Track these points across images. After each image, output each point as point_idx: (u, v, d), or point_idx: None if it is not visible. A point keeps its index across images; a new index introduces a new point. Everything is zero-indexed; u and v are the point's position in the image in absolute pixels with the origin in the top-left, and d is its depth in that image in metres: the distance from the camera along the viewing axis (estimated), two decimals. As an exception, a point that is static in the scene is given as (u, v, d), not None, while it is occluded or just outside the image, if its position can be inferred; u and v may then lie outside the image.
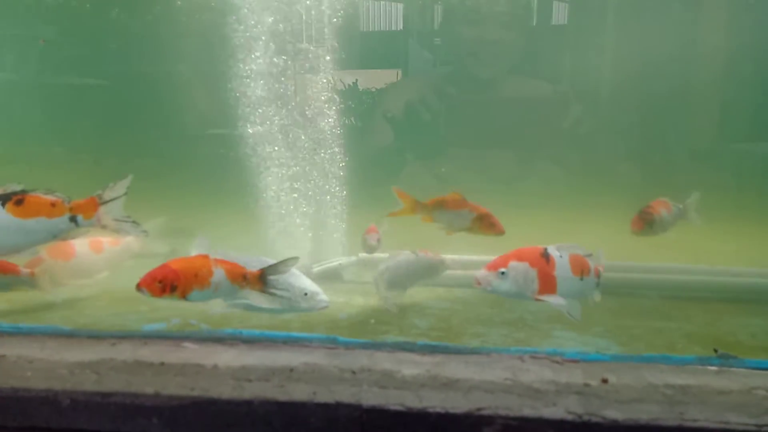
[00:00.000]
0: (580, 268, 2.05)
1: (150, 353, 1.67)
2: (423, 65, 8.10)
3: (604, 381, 1.48)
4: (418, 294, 3.06)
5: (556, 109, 6.12)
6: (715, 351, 1.57)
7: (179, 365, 1.61)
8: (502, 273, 1.96)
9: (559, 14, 7.87)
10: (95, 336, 1.78)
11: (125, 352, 1.69)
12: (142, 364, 1.61)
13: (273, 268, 1.96)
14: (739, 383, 1.44)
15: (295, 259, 1.98)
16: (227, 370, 1.58)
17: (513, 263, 1.99)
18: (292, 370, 1.57)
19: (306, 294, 2.01)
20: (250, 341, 1.74)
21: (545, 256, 2.00)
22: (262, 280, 1.97)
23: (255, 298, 1.95)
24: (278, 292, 1.97)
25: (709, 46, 6.22)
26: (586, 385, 1.48)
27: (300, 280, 2.03)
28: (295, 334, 1.74)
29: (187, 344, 1.73)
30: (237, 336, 1.75)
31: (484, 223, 2.41)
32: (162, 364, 1.61)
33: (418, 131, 6.14)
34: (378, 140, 6.23)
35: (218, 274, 1.90)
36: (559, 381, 1.49)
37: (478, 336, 2.51)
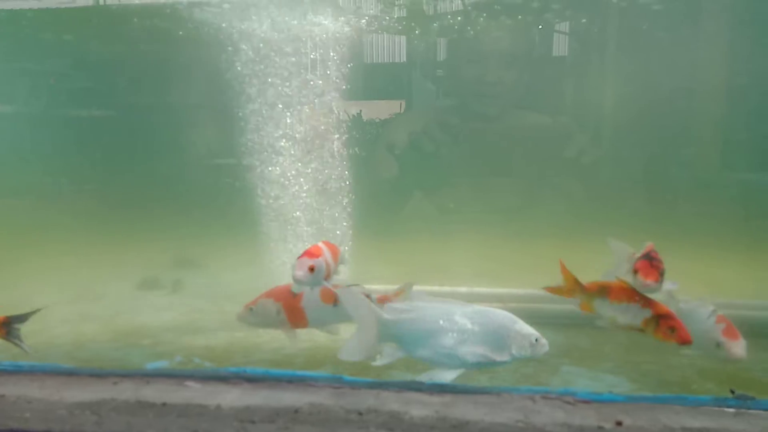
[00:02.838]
0: (332, 296, 2.17)
1: (152, 393, 1.64)
2: (426, 97, 8.20)
3: (619, 423, 1.44)
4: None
5: (558, 140, 6.16)
6: (732, 392, 1.53)
7: (182, 405, 1.57)
8: (251, 309, 2.25)
9: (560, 47, 7.99)
10: (96, 374, 1.74)
11: (127, 391, 1.65)
12: (144, 404, 1.57)
13: (18, 318, 1.92)
14: (758, 427, 1.39)
15: (36, 311, 1.93)
16: (230, 411, 1.54)
17: (261, 300, 2.24)
18: (297, 411, 1.53)
19: (537, 340, 1.78)
20: (254, 380, 1.70)
21: (293, 292, 2.19)
22: (5, 327, 1.91)
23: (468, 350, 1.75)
24: (21, 344, 1.93)
25: (712, 76, 6.29)
26: (600, 428, 1.43)
27: (524, 327, 1.81)
28: (300, 372, 1.71)
29: (189, 383, 1.70)
30: (241, 374, 1.72)
31: (662, 327, 1.89)
32: (164, 404, 1.57)
33: (422, 162, 6.17)
34: (382, 172, 6.25)
35: None
36: (572, 423, 1.45)
37: (486, 372, 2.46)
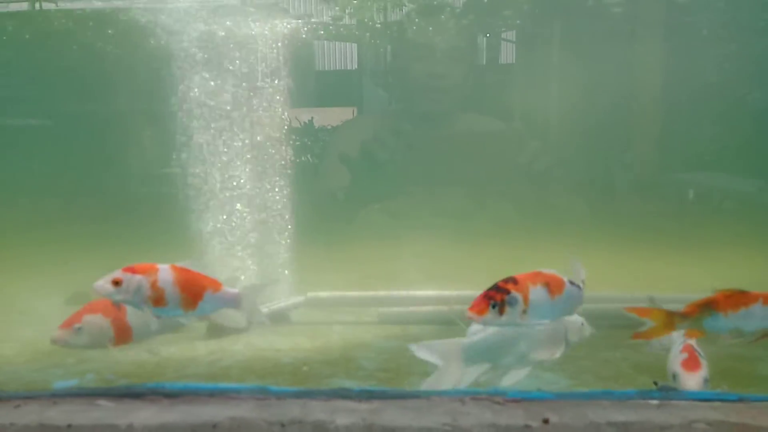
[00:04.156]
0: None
1: (58, 414, 1.51)
2: (377, 103, 8.19)
3: (545, 421, 1.42)
4: (367, 333, 2.97)
5: (510, 146, 6.25)
6: (655, 384, 1.54)
7: (89, 427, 1.45)
8: (79, 328, 2.07)
9: (507, 54, 8.17)
10: (-4, 398, 1.60)
11: (30, 414, 1.52)
12: (47, 427, 1.45)
13: None
14: (679, 417, 1.40)
15: None
16: (143, 430, 1.44)
17: (87, 317, 2.09)
18: (215, 426, 1.45)
19: (583, 324, 1.91)
20: (173, 395, 1.60)
21: (116, 304, 2.03)
22: None
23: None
24: None
25: (651, 81, 6.55)
26: (527, 426, 1.41)
27: (573, 314, 1.92)
28: (222, 385, 1.62)
29: (101, 402, 1.58)
30: (159, 390, 1.61)
31: None
32: (69, 426, 1.45)
33: (374, 170, 6.13)
34: (333, 181, 6.17)
35: None
36: (499, 424, 1.42)
37: (428, 375, 2.42)
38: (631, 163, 6.60)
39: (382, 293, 3.31)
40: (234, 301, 1.88)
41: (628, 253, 4.61)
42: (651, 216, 5.90)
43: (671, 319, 1.76)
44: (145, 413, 1.52)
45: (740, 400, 1.46)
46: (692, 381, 1.79)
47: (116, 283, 1.77)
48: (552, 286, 1.72)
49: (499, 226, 5.79)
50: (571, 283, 1.77)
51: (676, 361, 1.88)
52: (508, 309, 1.65)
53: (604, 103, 6.22)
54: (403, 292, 3.27)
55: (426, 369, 2.49)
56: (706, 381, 1.79)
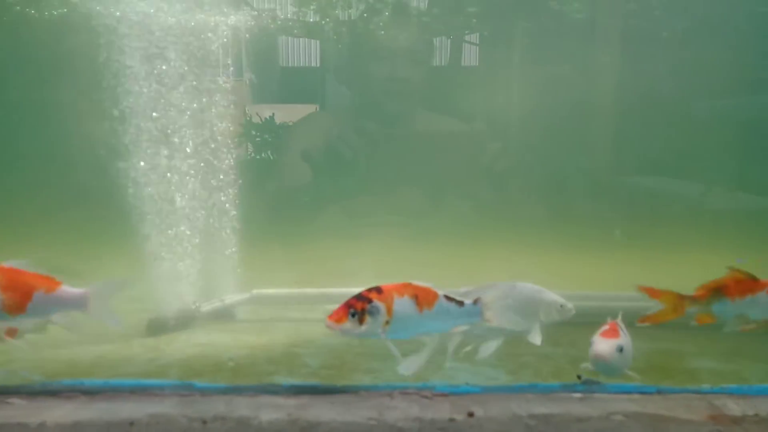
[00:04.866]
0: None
1: (-35, 414, 1.43)
2: (340, 101, 8.15)
3: (470, 415, 1.43)
4: (313, 330, 2.93)
5: (471, 146, 6.31)
6: (579, 377, 1.57)
7: (-3, 426, 1.38)
8: None
9: (471, 56, 8.27)
10: None
11: (-66, 414, 1.44)
12: (-50, 427, 1.37)
13: None
14: (599, 409, 1.43)
15: None
16: (56, 429, 1.38)
17: None
18: (132, 423, 1.40)
19: (562, 306, 2.00)
20: (92, 392, 1.54)
21: None
22: None
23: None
24: None
25: (606, 86, 6.72)
26: (452, 420, 1.41)
27: (550, 295, 2.02)
28: (144, 381, 1.57)
29: (14, 400, 1.51)
30: (77, 387, 1.55)
31: None
32: (-25, 426, 1.38)
33: (338, 169, 6.08)
34: (294, 179, 6.10)
35: None
36: (424, 417, 1.42)
37: (372, 372, 2.41)
38: (587, 166, 6.76)
39: (328, 290, 3.27)
40: (78, 302, 1.74)
41: (577, 254, 4.73)
42: (603, 218, 6.05)
43: (681, 303, 1.74)
44: (60, 411, 1.46)
45: (658, 392, 1.51)
46: (603, 345, 1.77)
47: None
48: (421, 298, 1.64)
49: (457, 226, 5.84)
50: (448, 298, 1.68)
51: (597, 332, 1.90)
52: (368, 318, 1.57)
53: (561, 107, 6.35)
54: (352, 289, 3.25)
55: (370, 366, 2.49)
56: (620, 350, 1.76)
